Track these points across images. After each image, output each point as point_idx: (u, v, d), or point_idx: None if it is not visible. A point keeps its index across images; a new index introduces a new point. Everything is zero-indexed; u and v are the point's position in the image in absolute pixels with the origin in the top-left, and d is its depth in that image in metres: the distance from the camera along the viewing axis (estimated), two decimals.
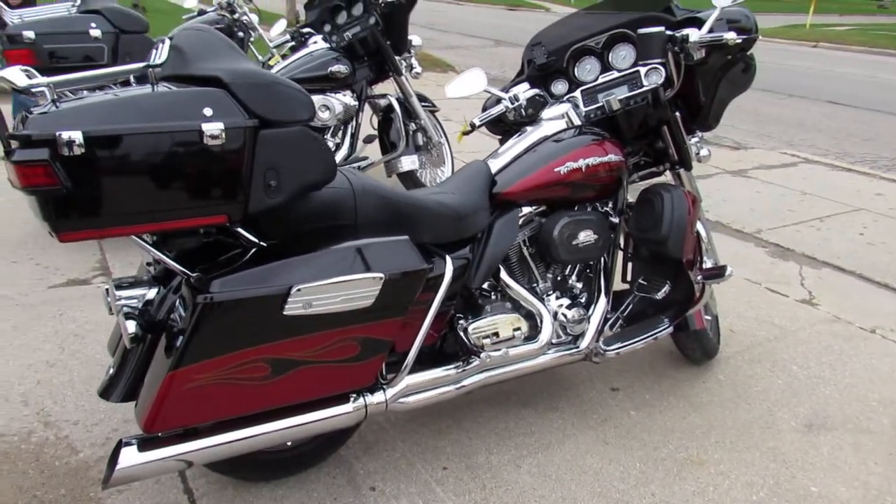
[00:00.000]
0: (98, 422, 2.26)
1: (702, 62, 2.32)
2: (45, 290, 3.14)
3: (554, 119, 2.37)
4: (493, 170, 2.25)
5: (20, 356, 2.61)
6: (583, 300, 2.38)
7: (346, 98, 4.11)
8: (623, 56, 2.45)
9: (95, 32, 3.40)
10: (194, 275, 1.61)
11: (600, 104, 2.37)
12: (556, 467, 2.20)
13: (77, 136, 1.35)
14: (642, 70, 2.33)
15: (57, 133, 1.34)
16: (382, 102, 4.43)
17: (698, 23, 2.30)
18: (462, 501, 2.03)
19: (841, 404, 2.63)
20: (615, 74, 2.40)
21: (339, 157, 4.10)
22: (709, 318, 2.84)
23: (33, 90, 1.52)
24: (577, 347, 2.30)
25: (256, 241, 1.69)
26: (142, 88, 1.59)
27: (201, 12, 6.07)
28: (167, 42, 1.75)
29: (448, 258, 1.95)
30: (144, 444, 1.66)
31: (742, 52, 2.35)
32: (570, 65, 2.53)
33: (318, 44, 4.18)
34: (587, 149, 2.26)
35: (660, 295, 2.39)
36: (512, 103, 2.46)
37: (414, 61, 4.39)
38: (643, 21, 2.37)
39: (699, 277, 2.40)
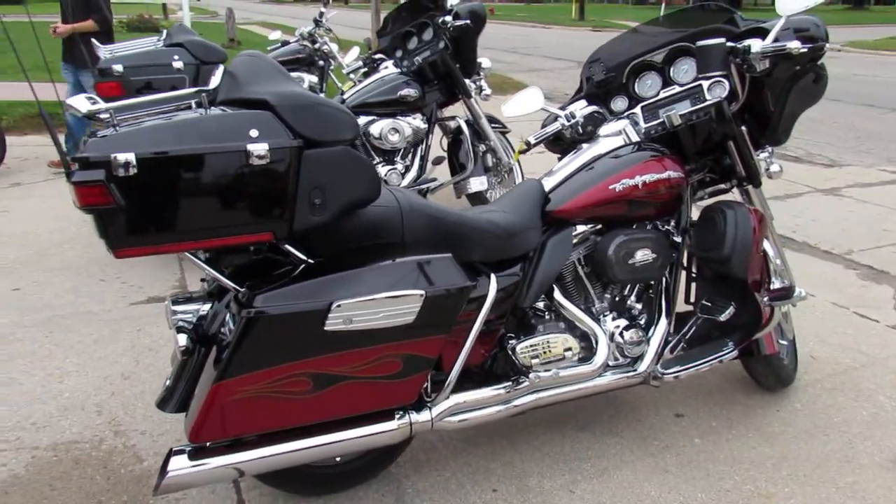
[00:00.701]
0: (164, 432, 2.36)
1: (768, 74, 2.22)
2: (127, 306, 3.31)
3: (611, 136, 2.33)
4: (547, 188, 2.22)
5: (98, 368, 2.76)
6: (642, 321, 2.31)
7: (416, 121, 4.18)
8: (685, 70, 2.39)
9: (178, 64, 3.61)
10: (242, 290, 1.66)
11: (661, 120, 2.31)
12: (611, 494, 2.12)
13: (130, 157, 1.43)
14: (705, 84, 2.26)
15: (112, 155, 1.42)
16: (452, 124, 4.49)
17: (763, 33, 2.21)
18: None
19: None
20: (676, 89, 2.33)
21: (408, 178, 4.16)
22: (783, 342, 2.70)
23: (96, 116, 1.63)
24: (635, 370, 2.23)
25: (304, 258, 1.73)
26: (195, 112, 1.67)
27: (284, 43, 6.35)
28: (221, 68, 1.83)
29: (493, 276, 1.94)
30: (195, 453, 1.72)
31: (812, 62, 2.24)
32: (630, 81, 2.48)
33: (388, 69, 4.28)
34: (645, 165, 2.20)
35: (724, 317, 2.28)
36: (568, 121, 2.43)
37: (483, 83, 4.41)
38: (704, 34, 2.30)
39: (766, 299, 2.28)
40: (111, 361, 2.81)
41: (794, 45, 2.05)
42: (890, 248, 4.36)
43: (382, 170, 4.08)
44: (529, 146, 2.51)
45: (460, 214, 2.00)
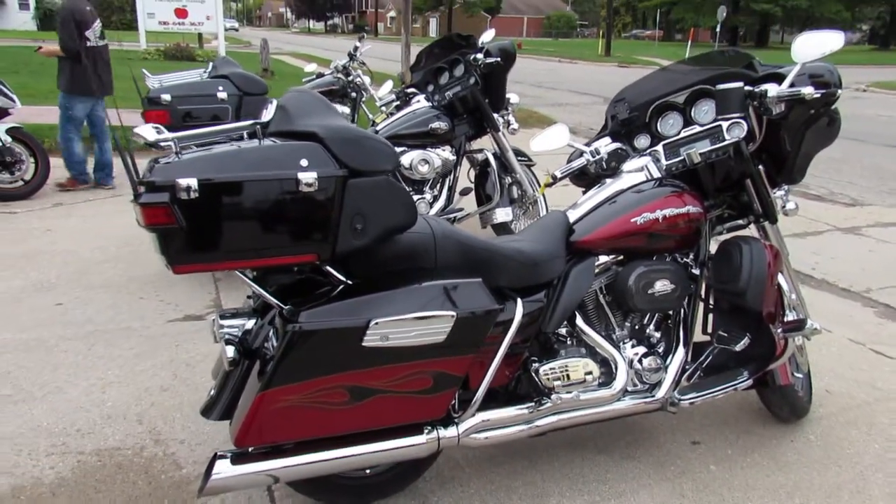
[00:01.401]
0: (202, 442, 2.48)
1: (784, 116, 2.33)
2: (165, 323, 3.47)
3: (633, 171, 2.45)
4: (572, 219, 2.34)
5: (139, 381, 2.90)
6: (661, 349, 2.40)
7: (446, 153, 4.34)
8: (705, 111, 2.50)
9: (222, 95, 3.81)
10: (286, 307, 1.80)
11: (681, 157, 2.42)
12: None
13: (193, 182, 1.58)
14: (724, 124, 2.37)
15: (176, 180, 1.57)
16: (480, 157, 4.64)
17: (779, 78, 2.32)
18: None
19: None
20: (697, 129, 2.45)
21: (436, 208, 4.31)
22: (799, 375, 2.77)
23: (161, 144, 1.79)
24: (653, 396, 2.32)
25: (344, 279, 1.86)
26: (250, 143, 1.83)
27: (319, 75, 6.59)
28: (274, 103, 2.00)
29: (520, 301, 2.05)
30: (237, 458, 1.85)
31: (826, 106, 2.35)
32: (653, 120, 2.60)
33: (420, 102, 4.46)
34: (665, 200, 2.31)
35: (739, 347, 2.37)
36: (593, 156, 2.56)
37: (511, 118, 4.56)
38: (724, 77, 2.43)
39: (780, 331, 2.37)
40: (151, 374, 2.96)
41: (808, 91, 2.17)
42: None
43: None
44: (556, 180, 2.65)
45: (489, 242, 2.13)
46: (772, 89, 2.24)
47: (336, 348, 1.77)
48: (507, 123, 4.56)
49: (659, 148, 2.50)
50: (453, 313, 1.84)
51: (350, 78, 6.27)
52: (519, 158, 4.57)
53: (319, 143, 1.74)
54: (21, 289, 3.85)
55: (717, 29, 30.36)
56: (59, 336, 3.30)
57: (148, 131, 1.80)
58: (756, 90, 2.27)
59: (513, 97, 4.59)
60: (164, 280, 3.98)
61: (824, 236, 5.60)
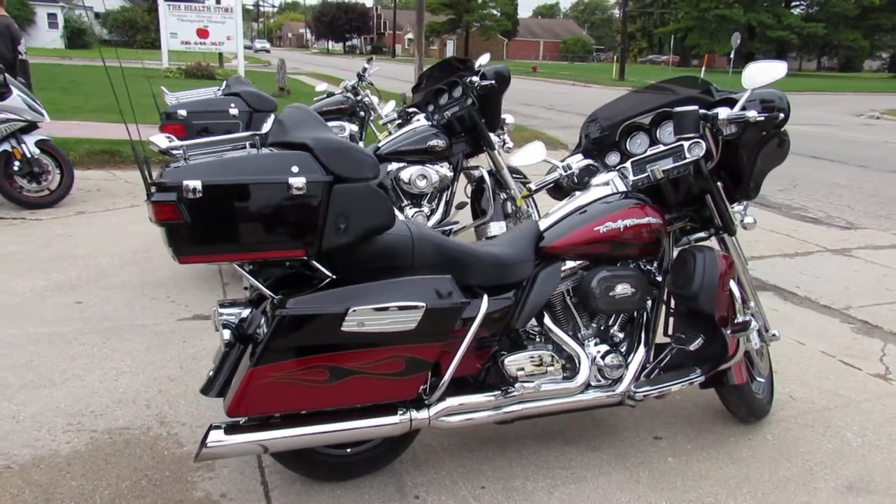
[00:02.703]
0: (202, 425, 2.72)
1: (738, 137, 2.56)
2: (175, 321, 3.73)
3: (600, 185, 2.68)
4: (543, 227, 2.57)
5: (149, 371, 3.15)
6: (623, 348, 2.62)
7: (443, 169, 4.60)
8: (669, 132, 2.73)
9: (234, 111, 4.10)
10: (276, 296, 2.04)
11: (646, 174, 2.65)
12: (586, 497, 2.41)
13: (197, 184, 1.83)
14: (685, 144, 2.60)
15: (183, 182, 1.83)
16: (476, 173, 4.89)
17: (734, 103, 2.56)
18: None
19: (890, 471, 2.66)
20: (661, 148, 2.68)
21: (433, 220, 4.55)
22: (760, 379, 2.97)
23: (172, 152, 2.05)
24: (614, 391, 2.53)
25: (330, 274, 2.11)
26: (250, 151, 2.09)
27: (329, 94, 6.88)
28: (272, 117, 2.26)
29: (485, 297, 2.28)
30: (230, 429, 2.09)
31: (776, 128, 2.58)
32: (623, 139, 2.83)
33: (420, 121, 4.72)
34: (627, 211, 2.54)
35: (693, 347, 2.59)
36: (565, 171, 2.80)
37: (506, 137, 4.82)
38: (685, 101, 2.66)
39: (729, 332, 2.57)
40: (159, 366, 3.21)
41: (752, 115, 2.40)
42: (889, 305, 4.58)
43: (410, 211, 4.49)
44: (531, 192, 2.90)
45: (463, 244, 2.37)
46: (722, 112, 2.47)
47: (318, 332, 2.01)
48: (503, 142, 4.81)
49: (627, 165, 2.73)
50: (424, 304, 2.08)
51: (359, 97, 6.55)
52: (514, 175, 4.81)
53: (309, 152, 2.00)
54: (45, 288, 4.13)
55: (731, 55, 30.62)
56: (78, 330, 3.56)
57: (161, 140, 2.07)
58: (709, 113, 2.50)
59: (508, 118, 4.85)
60: (175, 283, 4.25)
61: (813, 256, 5.77)
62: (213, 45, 18.94)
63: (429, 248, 2.24)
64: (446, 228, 4.54)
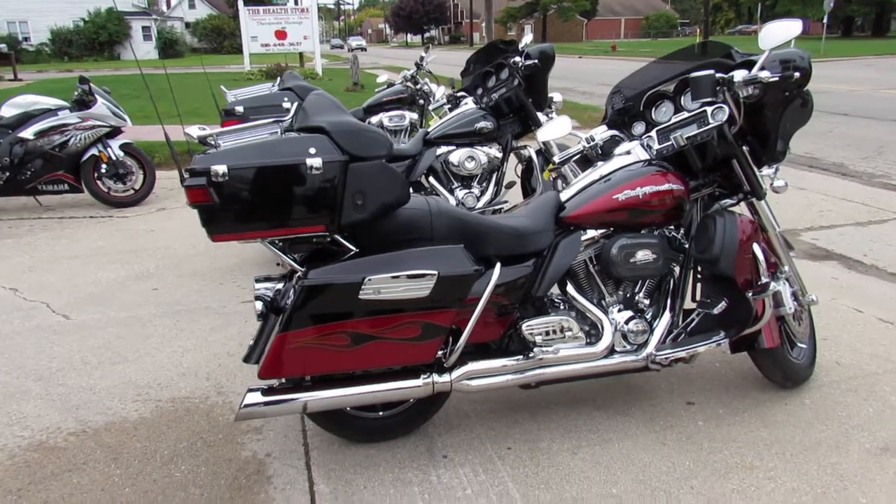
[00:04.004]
0: None
1: (760, 99, 2.55)
2: (238, 304, 4.01)
3: (622, 155, 2.72)
4: (564, 198, 2.65)
5: (212, 348, 3.43)
6: (648, 315, 2.66)
7: (492, 150, 4.69)
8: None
9: (287, 105, 4.33)
10: (302, 269, 2.22)
11: (670, 142, 2.67)
12: (608, 457, 2.49)
13: (223, 168, 2.02)
14: (709, 109, 2.60)
15: (211, 167, 2.02)
16: (525, 153, 4.96)
17: (753, 65, 2.54)
18: (516, 474, 2.40)
19: None
20: (685, 115, 2.69)
21: (483, 201, 4.66)
22: (802, 345, 2.94)
23: (207, 140, 2.26)
24: (637, 356, 2.58)
25: (354, 248, 2.27)
26: (273, 136, 2.27)
27: (390, 85, 7.07)
28: (296, 104, 2.43)
29: (498, 266, 2.38)
30: (266, 391, 2.29)
31: (798, 88, 2.55)
32: (648, 108, 2.86)
33: (468, 105, 4.84)
34: (647, 179, 2.57)
35: (716, 310, 2.60)
36: (588, 143, 2.85)
37: (555, 115, 4.85)
38: (705, 66, 2.66)
39: (750, 294, 2.57)
40: (221, 344, 3.48)
41: (765, 75, 2.39)
42: None
43: (460, 193, 4.61)
44: (557, 166, 2.97)
45: (480, 217, 2.48)
46: (738, 75, 2.47)
47: (337, 300, 2.17)
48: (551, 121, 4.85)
49: (653, 133, 2.76)
50: (436, 272, 2.20)
51: (417, 86, 6.71)
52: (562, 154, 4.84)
53: (326, 134, 2.16)
54: (126, 277, 4.51)
55: (825, 20, 29.03)
56: (153, 314, 3.89)
57: (194, 130, 2.28)
58: (725, 76, 2.50)
59: (556, 96, 4.89)
60: (241, 269, 4.55)
61: (889, 224, 5.52)
62: (290, 46, 19.61)
63: (447, 220, 2.36)
64: (496, 208, 4.64)
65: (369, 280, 2.16)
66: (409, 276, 2.19)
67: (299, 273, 2.22)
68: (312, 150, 2.10)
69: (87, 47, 38.37)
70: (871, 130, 10.07)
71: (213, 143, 2.22)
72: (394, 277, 2.18)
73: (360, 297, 2.17)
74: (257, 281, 2.41)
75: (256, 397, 2.27)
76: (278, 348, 2.18)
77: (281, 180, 2.08)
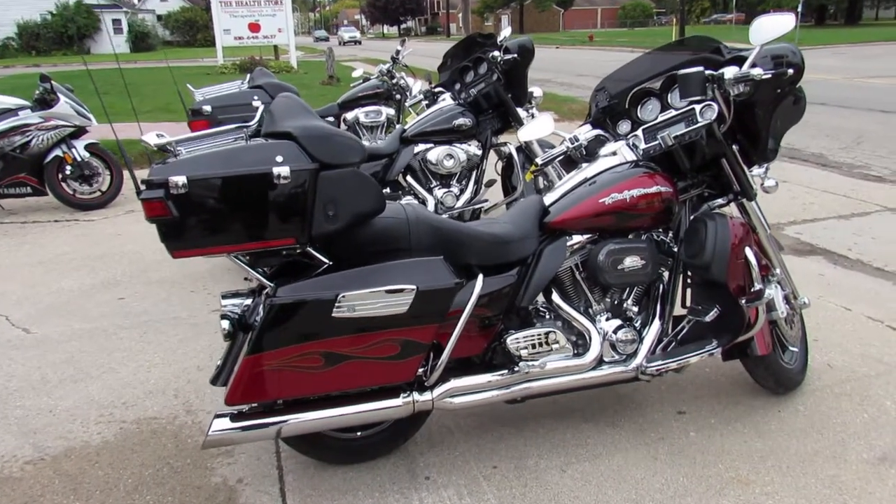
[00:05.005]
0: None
1: (750, 97, 2.43)
2: (209, 313, 3.84)
3: (608, 156, 2.60)
4: (547, 202, 2.52)
5: (180, 361, 3.26)
6: (637, 322, 2.55)
7: (471, 147, 4.56)
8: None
9: (257, 103, 4.14)
10: (271, 284, 2.07)
11: (658, 141, 2.55)
12: (599, 475, 2.37)
13: (183, 179, 1.87)
14: (697, 107, 2.48)
15: (169, 178, 1.86)
16: (505, 150, 4.83)
17: (743, 61, 2.42)
18: (502, 496, 2.28)
19: None
20: (672, 113, 2.57)
21: (462, 199, 4.52)
22: (793, 349, 2.85)
23: (166, 148, 2.09)
24: (627, 366, 2.47)
25: (327, 261, 2.12)
26: (237, 143, 2.11)
27: (366, 79, 6.90)
28: (262, 108, 2.28)
29: (480, 277, 2.25)
30: (235, 417, 2.14)
31: (791, 85, 2.44)
32: (633, 106, 2.73)
33: (446, 101, 4.69)
34: (634, 181, 2.45)
35: (708, 318, 2.49)
36: (572, 143, 2.73)
37: (535, 111, 4.73)
38: (692, 63, 2.54)
39: (743, 301, 2.46)
40: (190, 357, 3.31)
41: (757, 72, 2.27)
42: None
43: (439, 192, 4.47)
44: (539, 167, 2.84)
45: (461, 225, 2.34)
46: (728, 72, 2.35)
47: (310, 319, 2.03)
48: (532, 117, 4.72)
49: (639, 133, 2.64)
50: (415, 286, 2.07)
51: (394, 80, 6.55)
52: (545, 150, 4.72)
53: (294, 141, 2.00)
54: (91, 286, 4.32)
55: (799, 9, 29.17)
56: (118, 325, 3.71)
57: (151, 137, 2.11)
58: (715, 73, 2.38)
59: (536, 91, 4.76)
60: (212, 275, 4.38)
61: (871, 217, 5.48)
62: (265, 39, 19.30)
63: (426, 229, 2.23)
64: (476, 206, 4.51)
65: (343, 297, 2.02)
66: (387, 292, 2.05)
67: (268, 290, 2.08)
68: (279, 158, 1.95)
69: (55, 41, 37.48)
70: (848, 120, 10.07)
71: (172, 150, 2.05)
72: (370, 293, 2.04)
73: (333, 315, 2.03)
74: (224, 297, 2.26)
75: (225, 423, 2.12)
76: (246, 372, 2.03)
77: (246, 191, 1.93)
